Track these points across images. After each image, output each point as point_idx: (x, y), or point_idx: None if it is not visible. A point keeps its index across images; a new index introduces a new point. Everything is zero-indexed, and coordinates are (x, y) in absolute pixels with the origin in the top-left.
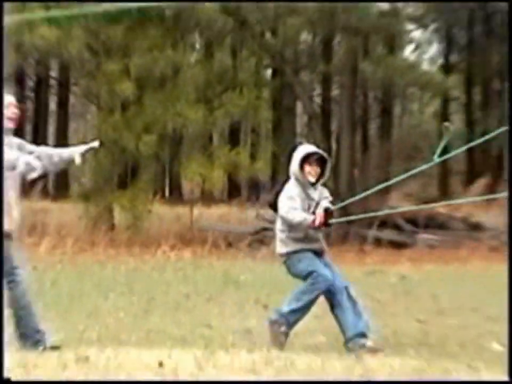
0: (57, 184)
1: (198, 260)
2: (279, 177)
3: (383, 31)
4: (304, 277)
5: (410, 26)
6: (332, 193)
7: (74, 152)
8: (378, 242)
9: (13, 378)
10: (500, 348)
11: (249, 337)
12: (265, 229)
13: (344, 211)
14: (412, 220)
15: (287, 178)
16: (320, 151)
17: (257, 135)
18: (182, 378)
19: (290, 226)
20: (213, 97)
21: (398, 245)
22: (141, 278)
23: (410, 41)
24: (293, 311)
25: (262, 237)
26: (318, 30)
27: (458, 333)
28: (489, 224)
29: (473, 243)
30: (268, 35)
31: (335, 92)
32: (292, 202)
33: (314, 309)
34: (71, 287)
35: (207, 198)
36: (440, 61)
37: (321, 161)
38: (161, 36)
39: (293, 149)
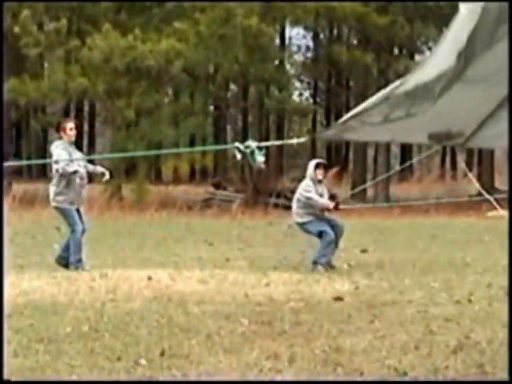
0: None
1: (170, 217)
2: (218, 168)
3: (277, 82)
4: (318, 234)
5: (295, 80)
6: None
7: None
8: (276, 205)
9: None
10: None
11: (200, 262)
12: (210, 198)
13: (256, 191)
14: (294, 192)
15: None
16: (324, 161)
17: (205, 142)
18: (163, 285)
19: (305, 205)
20: (180, 122)
21: (287, 207)
22: (137, 228)
23: (296, 89)
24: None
25: (208, 203)
26: (238, 82)
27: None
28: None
29: None
30: (210, 86)
31: (250, 118)
32: (312, 191)
33: (238, 244)
34: (97, 234)
35: (176, 180)
36: (311, 100)
37: (325, 167)
38: (148, 85)
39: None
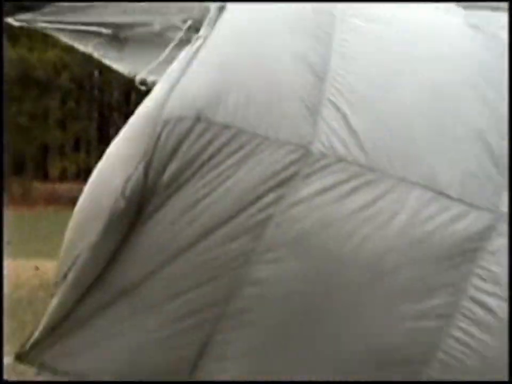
0: None
1: (57, 213)
2: None
3: None
4: None
5: None
6: None
7: None
8: None
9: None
10: None
11: None
12: None
13: None
14: None
15: None
16: None
17: (89, 145)
18: (49, 274)
19: None
20: (66, 125)
21: None
22: (25, 222)
23: None
24: None
25: None
26: (121, 89)
27: None
28: None
29: None
30: (95, 93)
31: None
32: None
33: None
34: None
35: (63, 178)
36: None
37: None
38: (38, 93)
39: None
